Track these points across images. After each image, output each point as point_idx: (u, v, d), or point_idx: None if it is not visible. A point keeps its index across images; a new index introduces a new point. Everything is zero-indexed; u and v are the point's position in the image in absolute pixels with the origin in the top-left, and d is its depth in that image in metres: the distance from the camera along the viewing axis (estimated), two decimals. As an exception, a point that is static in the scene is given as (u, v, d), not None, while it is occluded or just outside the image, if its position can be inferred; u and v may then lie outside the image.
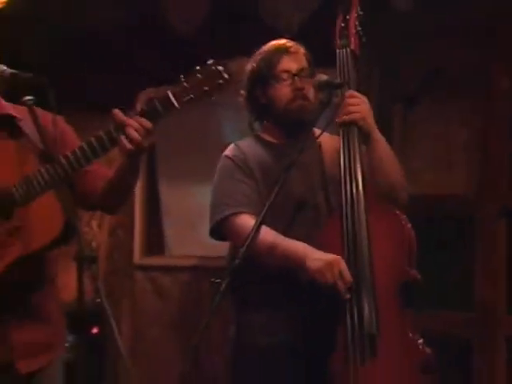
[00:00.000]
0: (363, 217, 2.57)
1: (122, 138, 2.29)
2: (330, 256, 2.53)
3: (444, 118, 3.63)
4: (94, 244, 4.14)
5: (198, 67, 2.32)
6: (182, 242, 4.46)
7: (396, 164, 2.71)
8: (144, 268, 4.30)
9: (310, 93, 2.72)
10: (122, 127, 2.30)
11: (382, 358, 2.48)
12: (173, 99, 2.28)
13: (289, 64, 2.73)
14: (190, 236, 4.39)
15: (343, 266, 2.50)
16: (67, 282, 4.04)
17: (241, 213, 2.68)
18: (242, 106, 2.87)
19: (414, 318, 2.59)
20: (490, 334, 3.53)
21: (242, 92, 2.81)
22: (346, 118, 2.60)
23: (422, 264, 2.60)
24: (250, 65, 2.80)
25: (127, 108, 4.15)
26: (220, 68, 2.33)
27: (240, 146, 2.80)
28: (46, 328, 2.56)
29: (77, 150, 2.33)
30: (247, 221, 2.63)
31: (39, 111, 2.41)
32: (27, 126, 2.50)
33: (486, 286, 3.52)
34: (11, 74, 2.39)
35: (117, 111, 2.31)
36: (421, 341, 2.55)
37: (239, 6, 3.74)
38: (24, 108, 2.46)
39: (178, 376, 3.87)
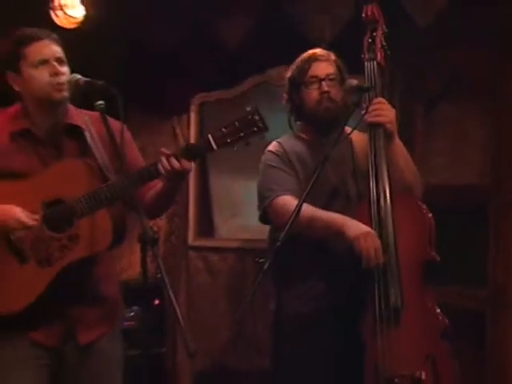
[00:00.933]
0: (388, 204, 2.59)
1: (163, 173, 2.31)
2: (367, 228, 2.55)
3: (461, 118, 3.59)
4: (155, 228, 4.16)
5: (237, 118, 2.29)
6: (228, 226, 4.46)
7: (412, 166, 2.72)
8: (196, 249, 4.29)
9: (337, 95, 2.74)
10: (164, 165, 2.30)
11: (407, 326, 2.50)
12: (212, 143, 2.28)
13: (317, 70, 2.74)
14: (235, 221, 4.42)
15: (376, 240, 2.52)
16: (132, 261, 4.12)
17: (283, 194, 2.70)
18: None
19: (433, 292, 2.60)
20: (502, 308, 3.49)
21: (284, 95, 2.83)
22: (376, 119, 2.61)
23: (440, 246, 2.60)
24: (288, 72, 2.83)
25: (182, 110, 4.24)
26: (256, 117, 2.28)
27: (281, 143, 2.83)
28: (103, 305, 2.57)
29: (129, 176, 2.35)
30: (290, 200, 2.64)
31: (110, 119, 2.40)
32: (92, 135, 2.50)
33: (498, 268, 3.48)
34: (86, 81, 2.41)
35: (163, 150, 2.32)
36: (439, 311, 2.56)
37: (279, 21, 3.73)
38: (95, 114, 2.46)
39: (225, 341, 3.94)
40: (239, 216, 4.40)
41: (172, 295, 2.15)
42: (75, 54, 2.52)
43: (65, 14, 3.73)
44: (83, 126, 2.51)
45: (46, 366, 2.49)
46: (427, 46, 3.46)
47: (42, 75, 2.41)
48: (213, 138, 2.28)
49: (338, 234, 2.56)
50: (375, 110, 2.62)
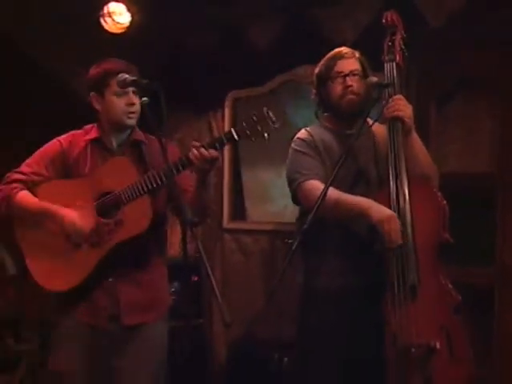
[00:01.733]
0: (406, 193, 2.58)
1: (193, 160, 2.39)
2: (390, 211, 2.54)
3: (472, 113, 3.55)
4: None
5: (254, 113, 2.39)
6: (258, 211, 4.46)
7: (428, 158, 2.71)
8: (231, 231, 4.30)
9: (360, 89, 2.72)
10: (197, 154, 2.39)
11: (422, 301, 2.50)
12: (234, 134, 2.36)
13: (342, 67, 2.73)
14: (265, 206, 4.42)
15: (398, 221, 2.51)
16: (173, 242, 4.13)
17: (311, 179, 2.69)
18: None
19: (447, 271, 2.58)
20: (508, 286, 3.46)
21: (313, 90, 2.83)
22: (395, 114, 2.60)
23: (454, 229, 2.58)
24: (316, 68, 2.82)
25: (217, 106, 4.24)
26: (271, 114, 2.36)
27: (309, 131, 2.82)
28: (149, 292, 2.61)
29: (164, 168, 2.44)
30: (316, 184, 2.64)
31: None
32: (148, 150, 2.63)
33: (505, 249, 3.45)
34: (132, 80, 2.47)
35: (194, 143, 2.40)
36: (451, 287, 2.55)
37: (305, 23, 3.70)
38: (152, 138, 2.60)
39: (257, 314, 3.94)
40: (269, 201, 4.40)
41: (210, 271, 2.17)
42: (122, 56, 2.56)
43: (113, 20, 3.75)
44: (143, 141, 2.65)
45: (92, 344, 2.53)
46: (441, 45, 3.41)
47: (120, 103, 2.57)
48: (235, 130, 2.36)
49: (362, 215, 2.55)
50: (394, 105, 2.61)
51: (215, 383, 3.94)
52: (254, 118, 2.35)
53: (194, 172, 2.49)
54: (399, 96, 2.64)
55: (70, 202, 2.56)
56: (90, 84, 2.62)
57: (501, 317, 3.48)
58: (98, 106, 2.62)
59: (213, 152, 2.37)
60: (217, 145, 2.39)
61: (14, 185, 2.58)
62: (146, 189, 2.46)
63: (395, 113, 2.60)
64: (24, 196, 2.57)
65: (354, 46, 2.89)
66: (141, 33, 3.80)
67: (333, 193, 2.52)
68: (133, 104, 2.57)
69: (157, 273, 2.65)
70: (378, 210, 2.54)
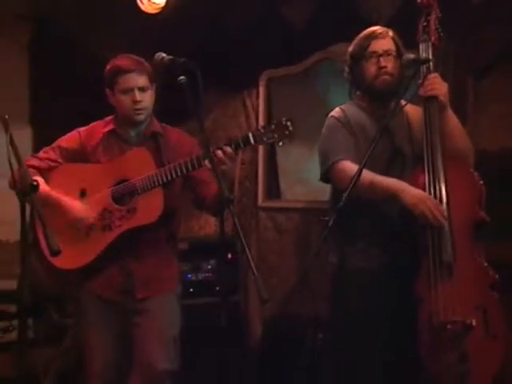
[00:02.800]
0: (442, 172, 2.59)
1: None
2: (421, 193, 2.56)
3: (508, 88, 3.49)
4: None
5: (273, 121, 2.50)
6: (292, 189, 4.45)
7: (464, 135, 2.70)
8: (265, 209, 4.30)
9: (393, 69, 2.73)
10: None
11: (458, 279, 2.51)
12: (251, 139, 2.48)
13: (376, 47, 2.74)
14: (299, 185, 4.42)
15: (434, 201, 2.53)
16: (208, 219, 4.18)
17: (344, 159, 2.70)
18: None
19: (483, 249, 2.59)
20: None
21: (346, 69, 2.83)
22: (430, 92, 2.61)
23: (490, 207, 2.59)
24: (350, 47, 2.83)
25: (252, 85, 4.24)
26: (288, 123, 2.47)
27: (343, 109, 2.83)
28: (158, 270, 2.76)
29: (181, 162, 2.57)
30: (348, 166, 2.66)
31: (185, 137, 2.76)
32: (164, 141, 2.76)
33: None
34: (169, 59, 2.52)
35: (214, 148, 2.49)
36: (487, 265, 2.56)
37: (340, 2, 3.67)
38: (177, 132, 2.79)
39: (291, 290, 3.95)
40: (303, 180, 4.40)
41: (247, 249, 2.22)
42: (158, 35, 2.58)
43: (149, 1, 3.77)
44: (160, 132, 2.77)
45: (108, 316, 2.74)
46: (478, 21, 3.36)
47: (126, 101, 2.70)
48: (252, 135, 2.48)
49: (396, 198, 2.57)
50: (430, 84, 2.62)
51: (251, 359, 3.96)
52: (273, 125, 2.46)
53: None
54: (434, 74, 2.64)
55: (85, 185, 2.73)
56: (105, 80, 2.75)
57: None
58: (111, 101, 2.76)
59: (229, 151, 2.48)
60: (232, 146, 2.50)
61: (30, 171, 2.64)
62: (161, 181, 2.59)
63: (431, 91, 2.61)
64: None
65: (389, 23, 2.88)
66: (176, 12, 3.78)
67: (367, 174, 2.53)
68: (138, 102, 2.68)
69: (165, 253, 2.80)
70: (411, 193, 2.55)
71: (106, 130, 2.78)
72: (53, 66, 4.11)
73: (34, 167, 2.72)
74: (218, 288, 3.73)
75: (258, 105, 4.30)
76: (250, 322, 4.17)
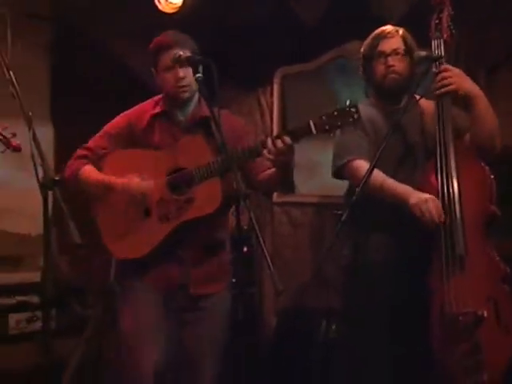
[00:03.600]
0: (453, 166, 2.58)
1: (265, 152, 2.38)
2: (426, 195, 2.55)
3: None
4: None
5: (337, 107, 2.33)
6: (307, 184, 4.45)
7: (493, 115, 2.67)
8: (280, 204, 4.30)
9: (402, 68, 2.73)
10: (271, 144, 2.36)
11: (470, 272, 2.52)
12: (312, 127, 2.32)
13: (384, 46, 2.75)
14: (313, 180, 4.42)
15: (435, 203, 2.51)
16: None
17: (356, 159, 2.72)
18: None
19: (494, 242, 2.59)
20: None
21: (360, 68, 2.85)
22: (445, 89, 2.60)
23: (503, 201, 2.60)
24: (362, 47, 2.85)
25: (266, 82, 4.24)
26: (353, 109, 2.31)
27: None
28: (215, 265, 2.66)
29: (239, 151, 2.44)
30: (362, 165, 2.68)
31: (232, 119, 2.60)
32: (221, 128, 2.54)
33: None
34: (186, 56, 2.51)
35: (268, 139, 2.38)
36: (499, 259, 2.57)
37: (353, 0, 3.67)
38: (226, 113, 2.59)
39: (305, 283, 3.97)
40: (316, 175, 4.41)
41: (262, 242, 2.22)
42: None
43: (166, 1, 3.79)
44: (209, 116, 2.57)
45: (159, 309, 2.59)
46: (485, 20, 3.34)
47: (170, 78, 2.58)
48: (314, 123, 2.32)
49: (403, 203, 2.58)
50: (442, 80, 2.60)
51: (265, 349, 3.97)
52: (335, 112, 2.31)
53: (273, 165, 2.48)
54: (445, 66, 2.62)
55: (139, 171, 2.57)
56: (150, 60, 2.64)
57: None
58: (157, 81, 2.65)
59: (285, 142, 2.34)
60: (292, 137, 2.35)
61: (79, 161, 2.64)
62: (220, 170, 2.46)
63: (445, 89, 2.60)
64: (86, 170, 2.62)
65: (401, 21, 2.87)
66: (192, 11, 3.82)
67: (378, 176, 2.57)
68: (180, 78, 2.55)
69: (221, 247, 2.71)
70: (416, 196, 2.55)
71: (155, 111, 2.66)
72: (73, 65, 4.14)
73: (84, 157, 2.64)
74: (234, 280, 3.73)
75: (272, 102, 4.33)
76: (264, 313, 4.19)
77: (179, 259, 2.58)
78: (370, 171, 2.44)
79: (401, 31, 2.76)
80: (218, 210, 2.49)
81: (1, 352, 3.60)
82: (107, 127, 2.70)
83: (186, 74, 2.55)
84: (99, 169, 2.64)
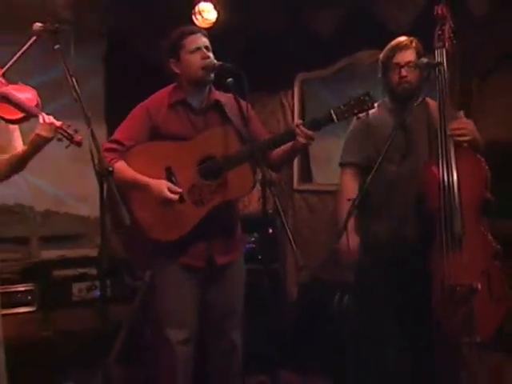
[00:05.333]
0: (453, 157, 2.57)
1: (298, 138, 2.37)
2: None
3: (509, 86, 3.42)
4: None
5: (353, 98, 2.35)
6: (323, 174, 4.43)
7: (482, 141, 2.67)
8: (300, 191, 4.32)
9: (414, 78, 2.70)
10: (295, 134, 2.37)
11: (467, 249, 2.52)
12: (334, 116, 2.34)
13: (398, 58, 2.71)
14: (329, 170, 4.40)
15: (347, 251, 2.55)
16: (251, 199, 4.22)
17: (347, 166, 2.83)
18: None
19: (487, 224, 2.59)
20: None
21: (379, 73, 2.82)
22: (459, 139, 2.57)
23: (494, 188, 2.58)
24: (380, 55, 2.82)
25: (288, 86, 4.23)
26: (367, 98, 2.33)
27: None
28: (233, 238, 2.65)
29: (266, 140, 2.43)
30: (347, 172, 2.80)
31: (240, 100, 2.47)
32: (230, 110, 2.53)
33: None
34: (219, 64, 2.49)
35: (298, 121, 2.40)
36: (491, 237, 2.56)
37: (364, 12, 3.62)
38: (228, 95, 2.53)
39: (323, 260, 3.96)
40: (332, 166, 4.37)
41: (286, 224, 2.24)
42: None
43: (202, 17, 3.82)
44: (223, 102, 2.56)
45: (194, 284, 2.57)
46: (481, 28, 3.29)
47: (196, 59, 2.49)
48: (334, 112, 2.33)
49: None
50: (460, 129, 2.57)
51: (287, 317, 3.98)
52: (352, 101, 2.33)
53: (292, 145, 2.45)
54: (460, 121, 2.62)
55: (169, 163, 2.50)
56: (167, 50, 2.54)
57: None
58: (177, 70, 2.53)
59: (310, 132, 2.36)
60: (316, 125, 2.36)
61: (111, 155, 2.50)
62: (246, 159, 2.43)
63: (461, 138, 2.57)
64: (119, 168, 2.48)
65: (409, 30, 2.84)
66: (223, 24, 3.84)
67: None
68: (207, 57, 2.47)
69: (236, 221, 2.69)
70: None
71: (174, 99, 2.53)
72: (123, 73, 4.19)
73: (114, 150, 2.52)
74: (260, 257, 3.74)
75: (293, 103, 4.32)
76: (286, 286, 4.20)
77: (206, 237, 2.53)
78: (377, 167, 2.43)
79: (414, 43, 2.73)
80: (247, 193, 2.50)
81: (66, 315, 3.64)
82: (129, 119, 2.58)
83: (211, 55, 2.49)
84: (127, 162, 2.52)
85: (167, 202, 2.46)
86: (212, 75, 2.50)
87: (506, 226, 2.92)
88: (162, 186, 2.46)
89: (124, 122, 2.59)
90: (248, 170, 2.46)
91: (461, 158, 2.58)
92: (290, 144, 2.47)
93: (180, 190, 2.46)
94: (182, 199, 2.49)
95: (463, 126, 2.59)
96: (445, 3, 2.69)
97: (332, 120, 2.33)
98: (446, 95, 2.61)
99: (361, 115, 2.38)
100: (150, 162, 2.50)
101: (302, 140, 2.36)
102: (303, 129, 2.36)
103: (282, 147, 2.52)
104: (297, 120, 2.48)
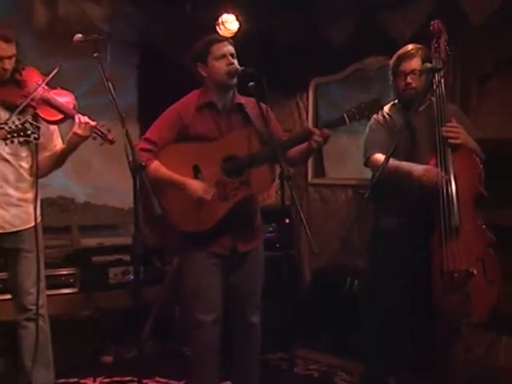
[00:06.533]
0: (450, 157, 2.59)
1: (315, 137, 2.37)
2: (425, 166, 2.59)
3: (505, 89, 3.38)
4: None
5: (364, 102, 2.35)
6: (335, 169, 4.42)
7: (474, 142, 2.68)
8: (314, 185, 4.30)
9: (418, 84, 2.70)
10: (311, 134, 2.37)
11: (463, 238, 2.53)
12: (346, 118, 2.33)
13: (404, 67, 2.72)
14: (340, 166, 4.40)
15: (434, 170, 2.55)
16: (270, 193, 4.22)
17: (374, 153, 2.74)
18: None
19: (482, 215, 2.59)
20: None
21: (390, 78, 2.82)
22: (454, 141, 2.60)
23: (489, 183, 2.59)
24: (390, 61, 2.81)
25: (303, 90, 4.22)
26: (376, 103, 2.34)
27: (384, 110, 2.84)
28: (254, 227, 2.65)
29: (285, 140, 2.43)
30: (378, 157, 2.69)
31: (260, 104, 2.46)
32: (251, 111, 2.53)
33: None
34: (242, 69, 2.48)
35: (314, 128, 2.39)
36: (485, 227, 2.57)
37: (371, 24, 3.60)
38: (249, 99, 2.54)
39: (336, 246, 3.96)
40: (343, 162, 4.40)
41: (302, 214, 2.26)
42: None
43: (225, 27, 3.82)
44: (245, 105, 2.57)
45: (219, 269, 2.58)
46: (482, 36, 3.27)
47: (221, 65, 2.49)
48: (347, 115, 2.33)
49: (409, 176, 2.60)
50: (453, 133, 2.59)
51: (303, 298, 3.97)
52: (363, 105, 2.33)
53: (308, 144, 2.43)
54: (452, 125, 2.62)
55: (197, 162, 2.50)
56: (197, 55, 2.54)
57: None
58: (204, 73, 2.52)
59: (326, 131, 2.37)
60: (330, 126, 2.37)
61: (146, 155, 2.47)
62: (267, 159, 2.42)
63: (454, 141, 2.59)
64: (155, 167, 2.48)
65: (412, 39, 2.84)
66: (245, 33, 3.84)
67: (392, 163, 2.58)
68: (231, 63, 2.46)
69: (256, 213, 2.68)
70: (416, 169, 2.58)
71: (202, 102, 2.52)
72: (154, 79, 4.21)
73: (148, 150, 2.50)
74: (278, 245, 3.76)
75: (307, 105, 4.30)
76: (302, 269, 4.19)
77: (230, 229, 2.53)
78: (387, 160, 2.47)
79: (420, 51, 2.73)
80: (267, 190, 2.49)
81: (103, 296, 3.66)
82: (161, 120, 2.57)
83: (236, 62, 2.50)
84: (159, 160, 2.51)
85: (200, 200, 2.47)
86: (235, 80, 2.50)
87: (499, 217, 2.92)
88: (198, 186, 2.46)
89: (156, 123, 2.59)
90: (267, 168, 2.46)
91: (457, 156, 2.59)
92: (305, 144, 2.47)
93: (213, 191, 2.46)
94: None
95: (455, 130, 2.60)
96: (440, 19, 2.71)
97: (344, 122, 2.34)
98: (443, 99, 2.63)
99: (370, 117, 2.36)
100: (179, 161, 2.50)
101: (318, 139, 2.36)
102: (320, 130, 2.37)
103: (299, 147, 2.52)
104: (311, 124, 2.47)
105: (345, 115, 2.33)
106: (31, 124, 2.27)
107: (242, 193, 2.48)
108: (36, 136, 2.29)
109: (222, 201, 2.49)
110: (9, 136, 2.26)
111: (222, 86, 2.51)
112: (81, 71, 3.72)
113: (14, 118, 2.38)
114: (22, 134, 2.26)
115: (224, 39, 2.56)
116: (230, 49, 2.52)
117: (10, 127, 2.25)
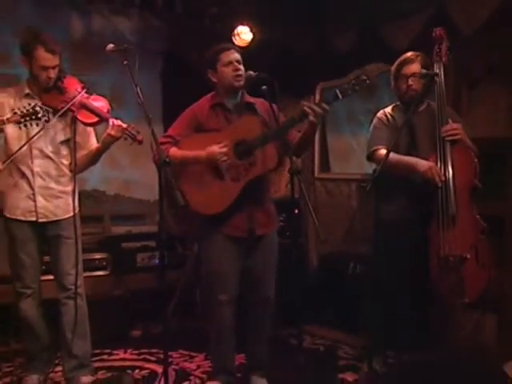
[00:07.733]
0: (448, 152, 2.56)
1: (310, 116, 2.33)
2: (429, 163, 2.56)
3: (494, 94, 3.32)
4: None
5: (353, 78, 2.31)
6: (339, 164, 4.40)
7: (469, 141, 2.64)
8: (320, 179, 4.28)
9: (418, 86, 2.68)
10: (308, 110, 2.33)
11: (459, 226, 2.51)
12: (339, 94, 2.31)
13: (405, 70, 2.70)
14: (344, 161, 4.38)
15: (437, 168, 2.52)
16: (281, 186, 4.21)
17: (378, 148, 2.72)
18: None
19: (476, 205, 2.57)
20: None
21: (392, 82, 2.80)
22: (453, 138, 2.58)
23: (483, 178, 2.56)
24: (392, 67, 2.79)
25: (310, 93, 4.20)
26: (364, 77, 2.29)
27: (385, 111, 2.84)
28: (269, 212, 2.64)
29: (285, 121, 2.41)
30: (382, 152, 2.67)
31: (269, 103, 2.47)
32: (260, 108, 2.56)
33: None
34: (255, 75, 2.49)
35: (306, 103, 2.38)
36: (479, 217, 2.55)
37: (372, 36, 3.57)
38: (260, 100, 2.55)
39: (339, 235, 3.94)
40: (347, 158, 4.37)
41: (310, 206, 2.26)
42: (246, 61, 2.59)
43: (240, 38, 3.80)
44: (254, 103, 2.59)
45: (237, 253, 2.56)
46: (471, 45, 3.21)
47: (228, 70, 2.52)
48: (339, 90, 2.31)
49: (414, 169, 2.57)
50: (452, 131, 2.57)
51: (311, 281, 3.96)
52: (353, 80, 2.30)
53: (307, 124, 2.39)
54: (453, 124, 2.59)
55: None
56: (207, 63, 2.57)
57: (509, 235, 3.27)
58: (214, 79, 2.56)
59: (322, 105, 2.32)
60: (325, 100, 2.34)
61: (165, 146, 2.52)
62: (271, 139, 2.42)
63: (453, 137, 2.57)
64: (174, 151, 2.53)
65: (412, 46, 2.80)
66: (258, 43, 3.83)
67: (394, 156, 2.57)
68: (238, 69, 2.49)
69: (270, 200, 2.67)
70: (422, 164, 2.54)
71: (213, 102, 2.56)
72: (177, 84, 4.21)
73: (168, 143, 2.55)
74: (288, 233, 3.74)
75: (314, 108, 4.27)
76: (309, 257, 4.18)
77: (247, 212, 2.51)
78: (388, 153, 2.46)
79: (419, 57, 2.71)
80: (277, 167, 2.45)
81: (132, 278, 3.69)
82: (180, 119, 2.62)
83: (242, 68, 2.51)
84: (179, 148, 2.55)
85: (209, 177, 2.46)
86: (242, 83, 2.51)
87: (491, 207, 2.87)
88: (215, 147, 2.46)
89: (176, 122, 2.63)
90: (273, 150, 2.45)
91: (455, 152, 2.57)
92: (306, 127, 2.44)
93: (227, 150, 2.44)
94: (222, 177, 2.48)
95: (454, 127, 2.58)
96: (442, 27, 2.69)
97: (337, 97, 2.30)
98: (443, 100, 2.60)
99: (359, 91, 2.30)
100: (196, 147, 2.52)
101: (310, 113, 2.30)
102: (311, 105, 2.33)
103: (300, 133, 2.50)
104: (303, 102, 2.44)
105: (337, 91, 2.30)
106: (41, 108, 2.30)
107: (252, 173, 2.47)
108: (46, 118, 2.32)
109: (234, 182, 2.48)
110: (22, 120, 2.28)
111: (230, 88, 2.53)
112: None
113: (24, 103, 2.41)
114: (33, 117, 2.29)
115: (231, 47, 2.58)
116: (237, 56, 2.54)
117: (22, 111, 2.28)
